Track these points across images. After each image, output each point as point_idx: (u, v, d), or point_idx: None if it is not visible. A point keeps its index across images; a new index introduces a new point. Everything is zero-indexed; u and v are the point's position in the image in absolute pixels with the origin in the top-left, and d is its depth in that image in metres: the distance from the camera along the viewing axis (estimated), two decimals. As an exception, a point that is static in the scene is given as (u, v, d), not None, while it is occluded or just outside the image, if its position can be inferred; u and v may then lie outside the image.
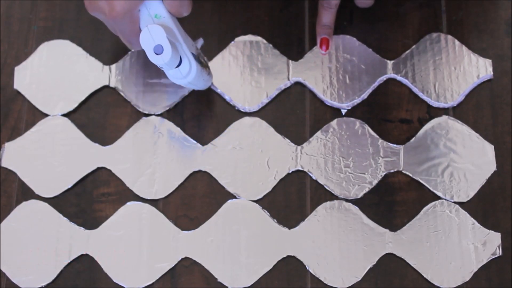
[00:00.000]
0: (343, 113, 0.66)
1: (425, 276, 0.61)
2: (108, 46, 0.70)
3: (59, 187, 0.65)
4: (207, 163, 0.65)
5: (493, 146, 0.64)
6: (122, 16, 0.57)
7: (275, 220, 0.63)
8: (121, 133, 0.66)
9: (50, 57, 0.69)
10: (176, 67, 0.58)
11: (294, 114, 0.67)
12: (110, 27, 0.60)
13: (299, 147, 0.65)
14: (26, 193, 0.65)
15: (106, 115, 0.68)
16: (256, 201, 0.64)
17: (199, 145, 0.66)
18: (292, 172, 0.64)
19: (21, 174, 0.66)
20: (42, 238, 0.63)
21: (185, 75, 0.59)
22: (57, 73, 0.69)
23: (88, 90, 0.68)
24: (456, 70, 0.67)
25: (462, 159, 0.64)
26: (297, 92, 0.67)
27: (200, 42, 0.66)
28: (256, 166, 0.65)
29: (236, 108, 0.67)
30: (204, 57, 0.64)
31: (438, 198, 0.63)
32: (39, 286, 0.62)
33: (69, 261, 0.63)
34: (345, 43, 0.68)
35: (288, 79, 0.67)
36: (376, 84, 0.67)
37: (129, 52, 0.69)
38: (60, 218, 0.64)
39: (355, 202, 0.63)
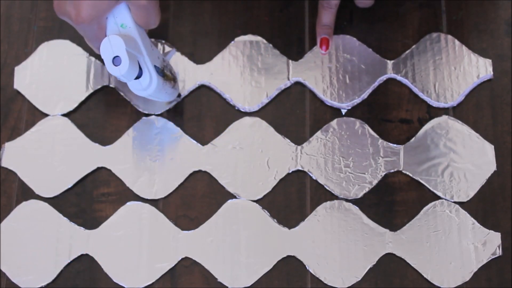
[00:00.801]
0: (343, 113, 0.66)
1: (425, 276, 0.61)
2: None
3: (59, 187, 0.65)
4: (207, 163, 0.65)
5: (493, 146, 0.64)
6: (88, 22, 0.58)
7: (275, 220, 0.63)
8: (121, 133, 0.67)
9: (50, 57, 0.69)
10: (136, 79, 0.58)
11: (294, 114, 0.67)
12: (79, 31, 0.60)
13: (299, 147, 0.65)
14: (26, 193, 0.65)
15: (106, 115, 0.68)
16: (256, 201, 0.64)
17: (199, 145, 0.66)
18: (292, 172, 0.64)
19: (21, 174, 0.66)
20: (42, 238, 0.63)
21: (145, 87, 0.59)
22: (57, 73, 0.69)
23: (88, 90, 0.68)
24: (456, 70, 0.67)
25: (462, 159, 0.64)
26: (297, 92, 0.67)
27: (172, 53, 0.66)
28: (256, 166, 0.65)
29: (236, 108, 0.67)
30: (172, 70, 0.64)
31: (438, 198, 0.63)
32: (39, 286, 0.62)
33: (69, 261, 0.63)
34: (345, 43, 0.68)
35: (288, 79, 0.67)
36: (376, 84, 0.67)
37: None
38: (60, 218, 0.64)
39: (355, 202, 0.63)
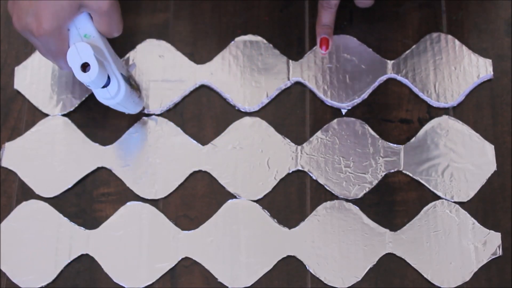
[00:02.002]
0: (343, 113, 0.66)
1: (425, 276, 0.61)
2: (108, 46, 0.70)
3: (59, 187, 0.65)
4: (207, 163, 0.65)
5: (493, 146, 0.64)
6: (50, 33, 0.57)
7: (275, 220, 0.63)
8: (121, 133, 0.66)
9: (50, 57, 0.69)
10: (104, 87, 0.58)
11: (294, 114, 0.67)
12: (39, 48, 0.59)
13: (299, 147, 0.65)
14: (26, 193, 0.65)
15: (106, 115, 0.68)
16: (256, 201, 0.64)
17: (199, 145, 0.66)
18: (292, 172, 0.64)
19: (21, 174, 0.66)
20: (42, 238, 0.63)
21: (114, 96, 0.59)
22: (57, 73, 0.69)
23: (88, 90, 0.68)
24: (456, 70, 0.67)
25: (462, 159, 0.64)
26: (297, 92, 0.67)
27: (133, 66, 0.66)
28: (256, 166, 0.65)
29: (236, 108, 0.67)
30: (135, 80, 0.65)
31: (438, 198, 0.63)
32: (39, 286, 0.62)
33: (69, 261, 0.63)
34: (345, 43, 0.68)
35: (288, 79, 0.67)
36: (376, 84, 0.67)
37: (130, 52, 0.69)
38: (60, 218, 0.64)
39: (355, 202, 0.63)
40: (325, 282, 0.61)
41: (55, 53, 0.59)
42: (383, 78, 0.67)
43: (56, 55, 0.60)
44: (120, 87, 0.59)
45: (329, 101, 0.66)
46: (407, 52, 0.68)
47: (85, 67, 0.56)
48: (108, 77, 0.58)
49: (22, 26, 0.58)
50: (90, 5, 0.57)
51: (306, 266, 0.61)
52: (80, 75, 0.56)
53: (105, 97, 0.59)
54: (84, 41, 0.58)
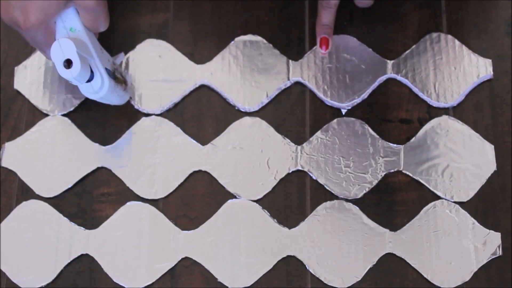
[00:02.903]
0: (343, 113, 0.66)
1: (425, 276, 0.61)
2: (108, 46, 0.69)
3: (59, 187, 0.65)
4: (207, 163, 0.65)
5: (493, 146, 0.64)
6: (36, 27, 0.58)
7: (275, 220, 0.63)
8: (121, 133, 0.67)
9: (50, 57, 0.69)
10: (87, 82, 0.59)
11: (294, 114, 0.67)
12: (26, 38, 0.60)
13: (299, 147, 0.65)
14: (26, 193, 0.65)
15: (106, 115, 0.68)
16: (256, 201, 0.64)
17: (199, 145, 0.66)
18: (292, 172, 0.64)
19: (21, 174, 0.66)
20: (42, 238, 0.63)
21: (97, 90, 0.60)
22: (57, 73, 0.69)
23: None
24: (456, 70, 0.67)
25: (462, 159, 0.64)
26: (297, 92, 0.67)
27: (121, 56, 0.66)
28: (256, 166, 0.65)
29: (236, 108, 0.67)
30: (122, 73, 0.65)
31: (438, 198, 0.63)
32: (39, 286, 0.62)
33: (69, 261, 0.63)
34: (345, 43, 0.68)
35: (288, 79, 0.67)
36: (376, 84, 0.67)
37: (130, 52, 0.69)
38: (60, 218, 0.64)
39: (355, 202, 0.63)
40: (325, 282, 0.61)
41: (41, 45, 0.60)
42: (383, 78, 0.67)
43: (42, 47, 0.61)
44: (103, 82, 0.60)
45: (329, 101, 0.66)
46: (407, 52, 0.68)
47: (69, 63, 0.56)
48: (92, 72, 0.59)
49: (9, 19, 0.58)
50: (77, 2, 0.58)
51: (306, 266, 0.61)
52: (62, 71, 0.56)
53: (89, 91, 0.60)
54: (70, 35, 0.59)
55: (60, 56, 0.56)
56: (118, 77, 0.63)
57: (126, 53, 0.69)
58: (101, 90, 0.60)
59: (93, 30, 0.60)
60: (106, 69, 0.60)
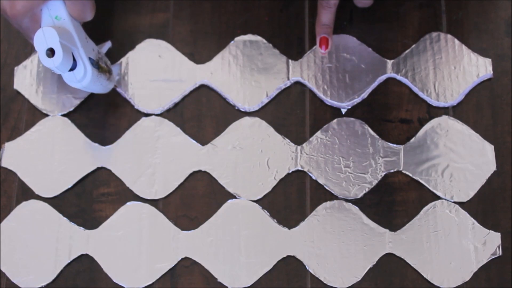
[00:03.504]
0: (343, 113, 0.66)
1: (425, 276, 0.61)
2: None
3: (59, 187, 0.65)
4: (207, 163, 0.65)
5: (493, 146, 0.64)
6: (22, 14, 0.59)
7: (275, 220, 0.63)
8: (121, 133, 0.67)
9: (50, 57, 0.69)
10: (70, 71, 0.59)
11: (294, 114, 0.67)
12: (13, 25, 0.61)
13: (299, 147, 0.65)
14: (26, 193, 0.65)
15: (106, 115, 0.68)
16: (256, 201, 0.64)
17: (199, 145, 0.66)
18: (292, 172, 0.64)
19: (21, 174, 0.66)
20: (42, 238, 0.63)
21: (80, 79, 0.60)
22: (57, 73, 0.69)
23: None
24: (456, 69, 0.67)
25: (462, 159, 0.64)
26: (297, 92, 0.67)
27: (107, 45, 0.67)
28: (256, 166, 0.65)
29: (236, 108, 0.67)
30: (107, 62, 0.65)
31: (438, 198, 0.63)
32: (39, 286, 0.62)
33: (69, 261, 0.63)
34: (345, 43, 0.68)
35: (288, 79, 0.67)
36: (376, 83, 0.67)
37: (129, 52, 0.69)
38: (60, 218, 0.64)
39: (355, 202, 0.63)
40: (325, 282, 0.61)
41: (27, 32, 0.61)
42: (383, 77, 0.67)
43: (28, 34, 0.62)
44: (86, 71, 0.60)
45: (329, 100, 0.66)
46: (407, 51, 0.68)
47: (52, 51, 0.57)
48: (75, 61, 0.60)
49: None
50: None
51: (306, 266, 0.62)
52: (44, 60, 0.57)
53: (71, 80, 0.60)
54: (55, 23, 0.59)
55: (43, 44, 0.57)
56: (102, 66, 0.63)
57: (126, 53, 0.69)
58: (84, 79, 0.61)
59: (79, 19, 0.61)
60: (89, 58, 0.61)
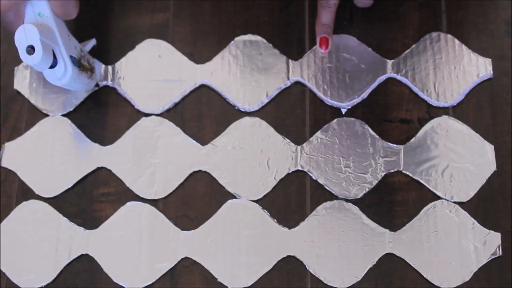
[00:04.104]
0: (343, 113, 0.66)
1: (425, 276, 0.61)
2: (108, 46, 0.70)
3: (59, 187, 0.65)
4: (207, 163, 0.65)
5: (493, 146, 0.64)
6: (7, 9, 0.60)
7: (275, 220, 0.63)
8: (121, 133, 0.67)
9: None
10: (51, 68, 0.60)
11: (294, 114, 0.67)
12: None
13: (299, 147, 0.65)
14: (26, 193, 0.65)
15: (106, 115, 0.68)
16: (256, 201, 0.64)
17: (199, 145, 0.66)
18: (292, 172, 0.64)
19: (21, 174, 0.66)
20: (42, 238, 0.63)
21: (60, 77, 0.61)
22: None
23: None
24: (456, 69, 0.67)
25: (462, 159, 0.64)
26: (297, 92, 0.67)
27: (91, 43, 0.67)
28: (256, 166, 0.65)
29: (236, 108, 0.67)
30: (90, 60, 0.65)
31: (438, 198, 0.63)
32: (39, 286, 0.62)
33: (69, 261, 0.63)
34: (345, 43, 0.68)
35: (288, 79, 0.67)
36: (376, 83, 0.67)
37: (129, 52, 0.69)
38: (60, 218, 0.64)
39: (355, 202, 0.63)
40: (325, 282, 0.61)
41: (11, 27, 0.62)
42: (383, 77, 0.67)
43: (11, 29, 0.62)
44: (67, 69, 0.61)
45: (329, 100, 0.66)
46: (407, 51, 0.68)
47: (32, 48, 0.57)
48: (56, 58, 0.60)
49: None
50: None
51: (306, 266, 0.62)
52: (24, 57, 0.57)
53: (52, 77, 0.61)
54: (38, 19, 0.60)
55: (23, 41, 0.57)
56: (84, 65, 0.63)
57: (125, 53, 0.69)
58: (64, 77, 0.61)
59: (62, 17, 0.62)
60: (71, 56, 0.61)
